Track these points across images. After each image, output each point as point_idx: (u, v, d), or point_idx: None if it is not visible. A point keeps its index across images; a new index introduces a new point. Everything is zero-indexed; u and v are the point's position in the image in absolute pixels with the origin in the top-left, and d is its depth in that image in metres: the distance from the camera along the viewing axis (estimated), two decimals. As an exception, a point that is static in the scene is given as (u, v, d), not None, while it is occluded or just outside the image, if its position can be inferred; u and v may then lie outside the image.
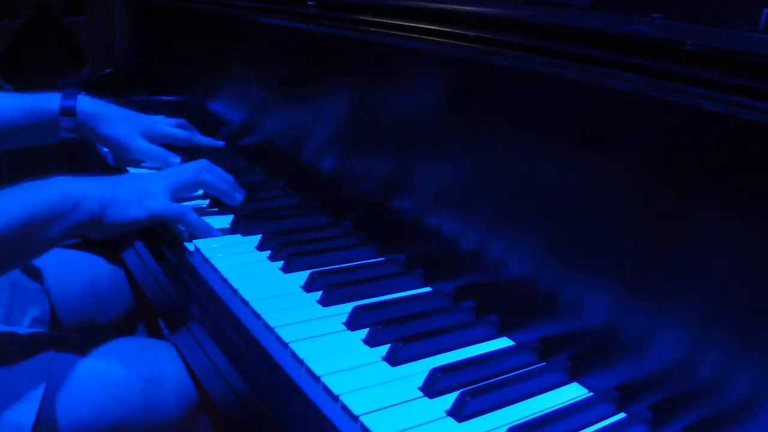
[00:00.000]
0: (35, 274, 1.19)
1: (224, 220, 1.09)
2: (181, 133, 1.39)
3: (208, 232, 1.04)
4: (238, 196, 1.14)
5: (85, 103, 1.29)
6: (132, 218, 0.99)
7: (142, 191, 1.02)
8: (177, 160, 1.32)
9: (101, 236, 1.00)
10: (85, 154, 1.40)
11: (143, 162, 1.34)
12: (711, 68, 0.62)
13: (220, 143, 1.45)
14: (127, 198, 0.99)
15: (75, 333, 1.15)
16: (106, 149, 1.40)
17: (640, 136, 0.70)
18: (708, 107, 0.62)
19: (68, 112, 1.28)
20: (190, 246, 1.01)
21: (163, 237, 1.06)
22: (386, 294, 0.88)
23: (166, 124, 1.38)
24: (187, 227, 1.04)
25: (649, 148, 0.69)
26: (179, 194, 1.07)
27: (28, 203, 0.88)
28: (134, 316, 1.32)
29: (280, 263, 0.95)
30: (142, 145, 1.32)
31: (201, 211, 1.10)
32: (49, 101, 1.28)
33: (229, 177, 1.15)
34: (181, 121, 1.43)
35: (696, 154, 0.65)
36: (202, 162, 1.13)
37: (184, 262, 1.00)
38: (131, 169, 1.33)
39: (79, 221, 0.93)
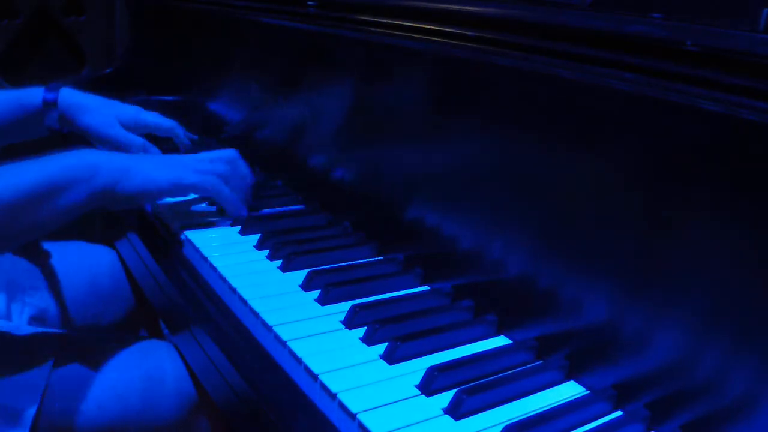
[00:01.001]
0: (34, 274, 1.19)
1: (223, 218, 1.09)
2: (164, 123, 1.37)
3: (239, 210, 1.06)
4: (243, 211, 1.09)
5: (67, 94, 1.28)
6: (154, 185, 0.98)
7: (167, 161, 1.03)
8: (156, 151, 1.30)
9: (121, 206, 1.01)
10: (72, 137, 1.38)
11: (122, 150, 1.28)
12: (711, 68, 0.63)
13: (193, 136, 1.42)
14: (151, 166, 0.98)
15: (75, 333, 1.15)
16: (99, 145, 1.36)
17: (640, 136, 0.70)
18: (708, 107, 0.62)
19: (50, 104, 1.27)
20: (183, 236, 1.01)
21: (161, 234, 1.06)
22: (384, 293, 0.88)
23: (151, 114, 1.36)
24: (219, 202, 1.05)
25: (649, 147, 0.69)
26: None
27: (45, 168, 0.88)
28: (135, 317, 1.32)
29: (279, 262, 0.95)
30: (120, 134, 1.29)
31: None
32: (33, 95, 1.27)
33: (249, 179, 1.13)
34: (172, 122, 1.39)
35: (696, 154, 0.65)
36: (231, 154, 1.11)
37: (184, 260, 1.00)
38: None
39: (99, 188, 0.92)
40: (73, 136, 1.35)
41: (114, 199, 0.95)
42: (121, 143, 1.29)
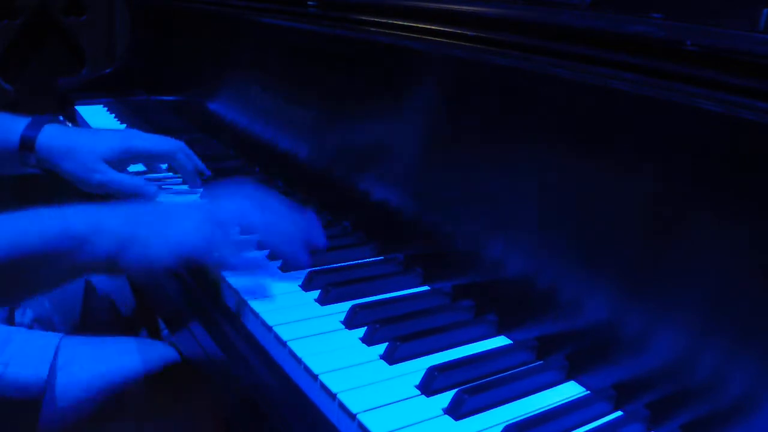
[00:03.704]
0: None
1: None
2: (160, 149, 1.20)
3: (262, 289, 0.86)
4: (304, 257, 0.90)
5: (48, 134, 1.14)
6: (156, 261, 0.81)
7: (171, 223, 0.83)
8: (153, 188, 1.15)
9: (125, 275, 0.90)
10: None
11: (113, 195, 1.15)
12: (711, 68, 0.62)
13: (207, 172, 1.25)
14: (152, 234, 0.80)
15: (76, 333, 1.15)
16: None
17: (639, 135, 0.70)
18: (708, 107, 0.62)
19: (27, 146, 1.13)
20: None
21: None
22: (384, 293, 0.88)
23: (143, 138, 1.21)
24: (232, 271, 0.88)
25: (648, 147, 0.69)
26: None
27: (21, 237, 0.75)
28: (135, 316, 1.32)
29: (279, 262, 0.94)
30: (106, 178, 1.13)
31: None
32: (12, 130, 1.13)
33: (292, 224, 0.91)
34: (179, 143, 1.23)
35: (695, 153, 0.65)
36: (253, 190, 0.92)
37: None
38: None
39: (88, 262, 0.78)
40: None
41: (110, 272, 0.85)
42: (110, 188, 1.14)
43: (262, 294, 0.85)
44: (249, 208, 0.89)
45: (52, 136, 1.14)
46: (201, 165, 1.23)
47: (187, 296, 0.92)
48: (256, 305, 0.83)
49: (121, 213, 0.82)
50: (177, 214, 0.85)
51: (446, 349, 0.77)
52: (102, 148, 1.15)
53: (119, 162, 1.16)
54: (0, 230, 0.75)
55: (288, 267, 0.92)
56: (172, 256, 0.81)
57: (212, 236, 0.84)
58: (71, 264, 0.77)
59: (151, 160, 1.24)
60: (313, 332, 0.78)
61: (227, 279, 0.88)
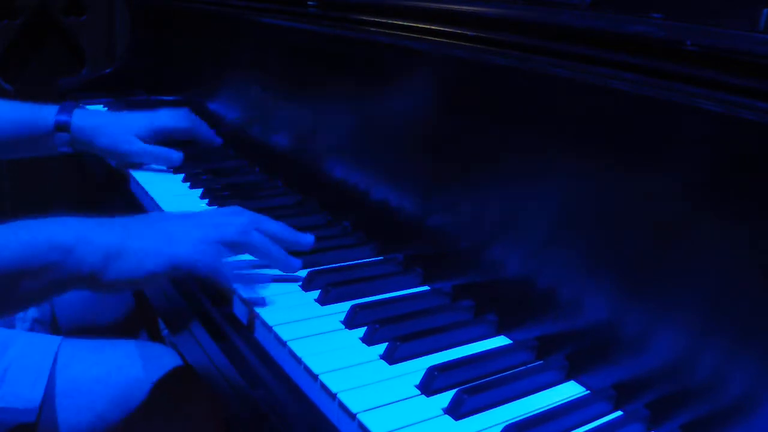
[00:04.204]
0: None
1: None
2: (181, 125, 1.35)
3: (260, 301, 0.84)
4: (295, 263, 0.89)
5: (80, 116, 1.27)
6: (146, 272, 0.77)
7: (164, 237, 0.80)
8: (179, 154, 1.29)
9: (108, 293, 0.85)
10: (85, 155, 1.39)
11: (144, 162, 1.32)
12: (711, 68, 0.62)
13: (219, 140, 1.43)
14: (142, 247, 0.77)
15: (76, 334, 1.15)
16: (119, 162, 1.37)
17: (639, 136, 0.70)
18: (708, 107, 0.62)
19: (63, 128, 1.25)
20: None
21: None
22: (384, 293, 0.88)
23: (165, 117, 1.35)
24: (224, 287, 0.85)
25: (648, 147, 0.69)
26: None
27: (3, 248, 0.72)
28: (135, 317, 1.32)
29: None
30: (139, 148, 1.28)
31: None
32: (45, 116, 1.26)
33: (286, 232, 0.89)
34: (184, 109, 1.41)
35: (695, 153, 0.65)
36: (253, 215, 0.88)
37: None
38: (138, 176, 1.28)
39: (72, 275, 0.75)
40: (86, 154, 1.35)
41: (95, 286, 0.77)
42: (142, 157, 1.30)
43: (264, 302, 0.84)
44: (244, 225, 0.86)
45: (84, 117, 1.27)
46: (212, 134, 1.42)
47: (188, 298, 0.92)
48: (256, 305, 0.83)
49: (112, 224, 0.79)
50: (174, 225, 0.83)
51: (446, 349, 0.77)
52: (131, 124, 1.29)
53: (147, 137, 1.30)
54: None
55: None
56: (163, 265, 0.78)
57: (206, 250, 0.81)
58: (55, 277, 0.74)
59: (174, 134, 1.35)
60: (313, 332, 0.78)
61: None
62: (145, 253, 0.77)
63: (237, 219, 0.85)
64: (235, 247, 0.84)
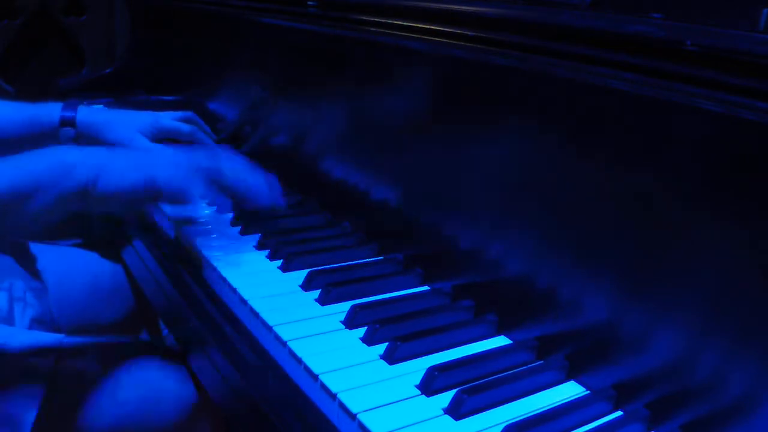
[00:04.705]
0: (35, 274, 1.19)
1: (223, 219, 1.09)
2: (184, 128, 1.36)
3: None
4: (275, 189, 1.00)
5: (84, 113, 1.28)
6: (129, 184, 0.88)
7: (146, 159, 0.93)
8: None
9: (99, 209, 0.95)
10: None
11: None
12: (711, 68, 0.62)
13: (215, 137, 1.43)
14: (127, 164, 0.90)
15: (76, 333, 1.15)
16: None
17: (639, 135, 0.70)
18: (708, 107, 0.62)
19: (68, 123, 1.27)
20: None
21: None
22: (384, 293, 0.88)
23: (169, 119, 1.36)
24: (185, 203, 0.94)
25: (648, 147, 0.69)
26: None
27: (18, 168, 0.84)
28: (135, 317, 1.32)
29: (279, 262, 0.95)
30: (143, 146, 1.28)
31: None
32: (50, 112, 1.27)
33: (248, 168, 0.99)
34: (188, 113, 1.41)
35: (695, 153, 0.65)
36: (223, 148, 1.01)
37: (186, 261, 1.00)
38: None
39: (72, 189, 0.85)
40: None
41: (88, 201, 0.87)
42: None
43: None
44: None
45: (89, 113, 1.29)
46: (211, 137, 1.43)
47: (188, 299, 0.92)
48: (256, 304, 0.83)
49: (105, 150, 0.93)
50: (155, 153, 0.97)
51: (446, 349, 0.77)
52: (137, 123, 1.31)
53: (151, 135, 1.31)
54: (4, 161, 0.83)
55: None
56: (142, 180, 0.88)
57: (180, 169, 0.91)
58: (58, 192, 0.84)
59: (176, 135, 1.36)
60: (313, 332, 0.79)
61: (226, 279, 0.88)
62: (127, 168, 0.89)
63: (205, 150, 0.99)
64: (207, 172, 0.93)
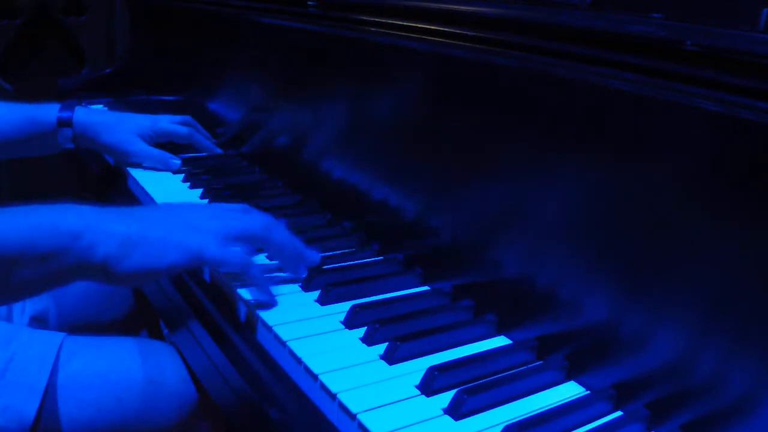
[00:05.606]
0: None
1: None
2: (181, 130, 1.38)
3: (271, 299, 0.83)
4: (314, 261, 0.90)
5: (82, 113, 1.29)
6: (168, 263, 0.74)
7: (186, 227, 0.77)
8: (177, 161, 1.32)
9: (118, 284, 0.78)
10: (85, 153, 1.40)
11: (143, 163, 1.34)
12: (711, 68, 0.62)
13: (218, 150, 1.44)
14: (164, 236, 0.74)
15: (75, 332, 1.15)
16: (119, 161, 1.39)
17: (639, 136, 0.70)
18: (708, 107, 0.62)
19: (65, 123, 1.28)
20: None
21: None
22: (384, 293, 0.88)
23: (167, 121, 1.38)
24: (247, 282, 0.85)
25: (648, 148, 0.69)
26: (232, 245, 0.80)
27: (3, 231, 0.68)
28: (135, 316, 1.32)
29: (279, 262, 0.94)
30: (140, 149, 1.31)
31: None
32: (47, 112, 1.28)
33: (296, 241, 0.88)
34: (186, 117, 1.43)
35: (695, 153, 0.65)
36: (270, 219, 0.85)
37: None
38: (136, 175, 1.29)
39: (81, 263, 0.71)
40: (88, 152, 1.38)
41: (109, 278, 0.73)
42: (142, 158, 1.32)
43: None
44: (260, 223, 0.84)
45: (87, 114, 1.30)
46: (210, 141, 1.44)
47: (188, 298, 0.92)
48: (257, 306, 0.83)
49: (123, 213, 0.76)
50: (193, 214, 0.81)
51: (446, 349, 0.77)
52: (134, 125, 1.32)
53: (148, 138, 1.33)
54: (12, 220, 0.69)
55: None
56: (184, 256, 0.75)
57: (229, 244, 0.79)
58: (60, 264, 0.70)
59: (174, 138, 1.37)
60: (313, 332, 0.78)
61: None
62: (166, 243, 0.74)
63: (258, 215, 0.85)
64: (254, 242, 0.82)
